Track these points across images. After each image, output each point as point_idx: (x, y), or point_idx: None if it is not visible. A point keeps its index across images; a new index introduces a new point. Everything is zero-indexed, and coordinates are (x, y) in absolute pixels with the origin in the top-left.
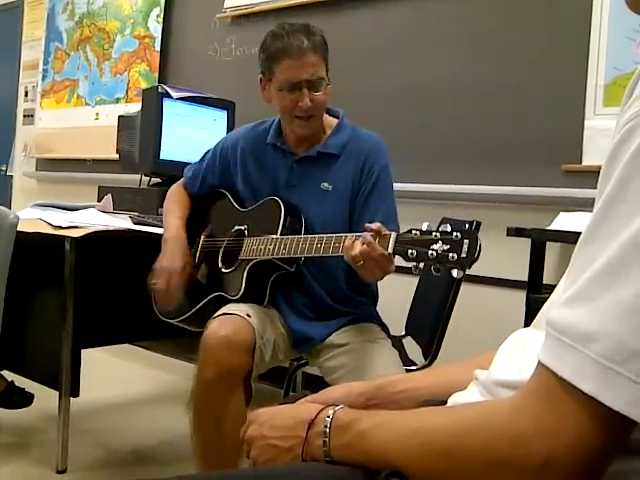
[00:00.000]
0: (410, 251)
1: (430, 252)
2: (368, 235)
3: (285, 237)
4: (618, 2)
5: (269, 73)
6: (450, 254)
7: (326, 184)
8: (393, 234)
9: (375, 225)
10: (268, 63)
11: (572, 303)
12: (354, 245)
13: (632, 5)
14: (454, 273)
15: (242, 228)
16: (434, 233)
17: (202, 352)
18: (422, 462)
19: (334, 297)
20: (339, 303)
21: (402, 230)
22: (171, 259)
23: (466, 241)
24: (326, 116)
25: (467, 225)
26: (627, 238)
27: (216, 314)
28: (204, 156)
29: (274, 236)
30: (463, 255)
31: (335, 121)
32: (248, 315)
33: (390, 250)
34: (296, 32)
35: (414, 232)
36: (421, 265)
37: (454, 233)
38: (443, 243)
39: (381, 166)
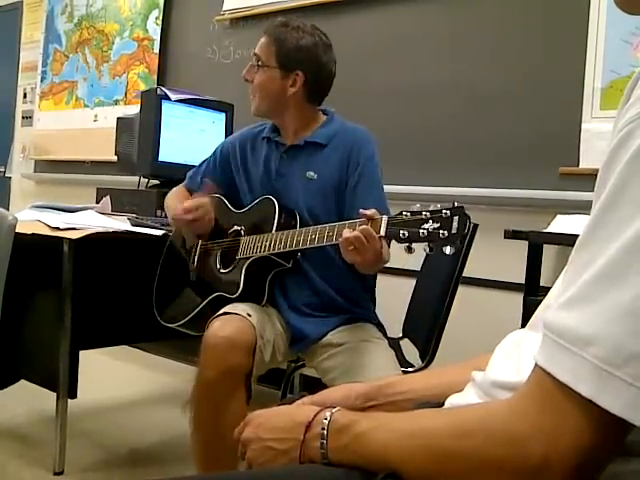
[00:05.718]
0: (402, 232)
1: (421, 231)
2: (359, 221)
3: (280, 232)
4: (615, 6)
5: None
6: (441, 231)
7: (311, 173)
8: (384, 217)
9: (369, 211)
10: None
11: (569, 306)
12: (345, 230)
13: (621, 4)
14: (446, 250)
15: (238, 228)
16: (424, 213)
17: (203, 352)
18: (420, 464)
19: (335, 288)
20: (340, 294)
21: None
22: (176, 206)
23: (455, 218)
24: (318, 114)
25: (456, 203)
26: (624, 242)
27: (217, 314)
28: (203, 160)
29: (270, 233)
30: (453, 231)
31: (325, 117)
32: (249, 315)
33: (382, 233)
34: (283, 23)
35: (404, 213)
36: (414, 245)
37: (443, 211)
38: (433, 222)
39: (367, 157)
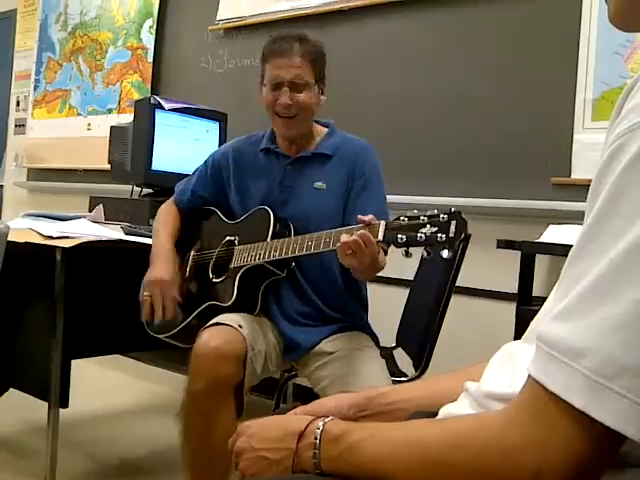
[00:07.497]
0: (400, 236)
1: (419, 235)
2: (357, 227)
3: (275, 240)
4: (606, 17)
5: (263, 73)
6: (439, 235)
7: (320, 183)
8: (382, 222)
9: (367, 217)
10: (262, 64)
11: (562, 318)
12: (343, 235)
13: (615, 21)
14: (444, 254)
15: (232, 239)
16: (421, 217)
17: (192, 363)
18: (412, 474)
19: (328, 298)
20: (331, 308)
21: None
22: (161, 270)
23: (453, 222)
24: (317, 126)
25: (452, 208)
26: (617, 254)
27: (207, 324)
28: (194, 171)
29: (265, 241)
30: (451, 235)
31: (325, 130)
32: (240, 326)
33: (380, 237)
34: (290, 38)
35: (402, 218)
36: (411, 250)
37: (441, 215)
38: (431, 226)
39: (372, 166)
